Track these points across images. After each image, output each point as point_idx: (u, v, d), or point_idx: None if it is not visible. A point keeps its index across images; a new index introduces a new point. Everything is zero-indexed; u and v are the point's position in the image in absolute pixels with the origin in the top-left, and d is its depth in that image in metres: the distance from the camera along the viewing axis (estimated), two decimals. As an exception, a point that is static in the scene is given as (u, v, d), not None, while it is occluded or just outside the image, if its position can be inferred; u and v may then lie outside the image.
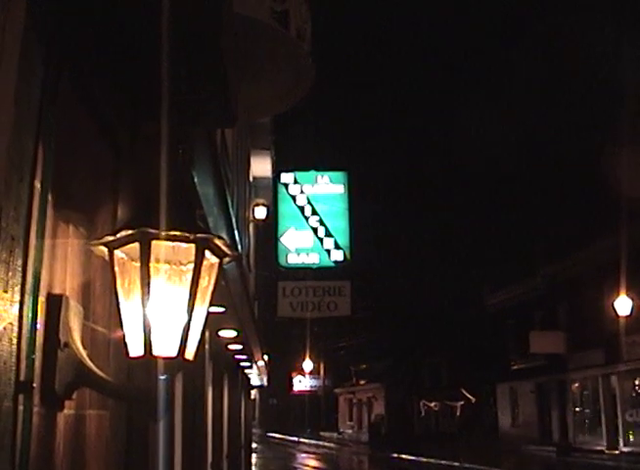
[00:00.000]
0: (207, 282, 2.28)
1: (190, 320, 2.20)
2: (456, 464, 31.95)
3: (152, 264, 2.15)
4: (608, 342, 33.05)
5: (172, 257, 2.20)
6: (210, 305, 2.32)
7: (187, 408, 6.67)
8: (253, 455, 22.82)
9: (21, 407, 1.95)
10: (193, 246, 2.16)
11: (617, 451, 32.02)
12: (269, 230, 20.00)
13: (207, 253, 2.21)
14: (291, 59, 5.88)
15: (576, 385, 38.16)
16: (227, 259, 2.32)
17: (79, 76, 2.56)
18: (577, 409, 37.69)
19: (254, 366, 14.89)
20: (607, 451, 32.86)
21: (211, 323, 7.48)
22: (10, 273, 1.85)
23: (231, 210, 5.49)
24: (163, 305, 2.19)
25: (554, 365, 38.15)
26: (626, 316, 28.44)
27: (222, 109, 4.19)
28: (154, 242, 2.12)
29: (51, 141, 2.19)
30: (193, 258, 2.18)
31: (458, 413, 58.98)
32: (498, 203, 49.85)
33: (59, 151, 2.27)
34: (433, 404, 59.68)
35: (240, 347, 10.43)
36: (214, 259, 2.28)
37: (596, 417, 35.54)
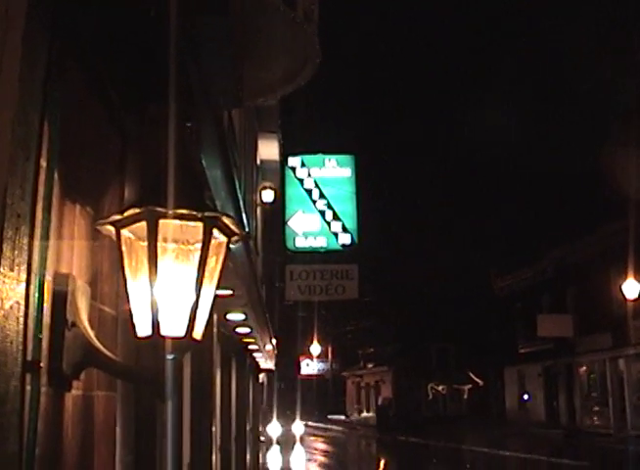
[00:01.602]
0: (215, 261, 2.26)
1: (198, 300, 2.18)
2: (463, 447, 32.05)
3: (159, 244, 2.13)
4: (616, 325, 33.05)
5: (180, 236, 2.18)
6: (219, 284, 2.30)
7: (195, 391, 6.67)
8: (261, 438, 22.72)
9: (28, 387, 1.94)
10: (201, 224, 2.14)
11: (624, 434, 32.02)
12: (276, 214, 19.99)
13: (216, 231, 2.19)
14: (297, 40, 5.83)
15: (584, 368, 38.19)
16: (235, 238, 2.29)
17: (84, 57, 2.54)
18: (585, 393, 37.71)
19: (262, 350, 14.89)
20: (614, 434, 32.88)
21: (219, 306, 7.47)
22: (16, 251, 1.83)
23: (239, 192, 5.46)
24: (171, 285, 2.17)
25: (562, 349, 38.18)
26: (634, 300, 28.38)
27: (229, 89, 4.16)
28: (161, 221, 2.10)
29: (57, 119, 2.16)
30: (201, 236, 2.16)
31: (466, 396, 59.14)
32: (506, 186, 49.72)
33: (65, 131, 2.26)
34: (440, 388, 59.80)
35: (248, 330, 10.41)
36: (222, 239, 2.25)
37: (603, 400, 35.56)
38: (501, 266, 46.20)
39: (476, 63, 70.36)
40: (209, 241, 2.17)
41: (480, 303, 50.49)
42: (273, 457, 19.70)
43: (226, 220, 2.20)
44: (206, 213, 2.14)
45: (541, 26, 59.52)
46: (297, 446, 21.33)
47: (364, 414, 65.36)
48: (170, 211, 2.09)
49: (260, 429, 20.58)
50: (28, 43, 1.95)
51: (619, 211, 29.94)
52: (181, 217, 2.11)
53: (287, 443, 22.61)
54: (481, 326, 50.63)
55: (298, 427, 23.34)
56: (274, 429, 22.04)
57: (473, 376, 57.31)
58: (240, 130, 9.77)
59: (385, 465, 29.14)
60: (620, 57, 35.04)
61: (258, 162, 17.25)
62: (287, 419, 29.06)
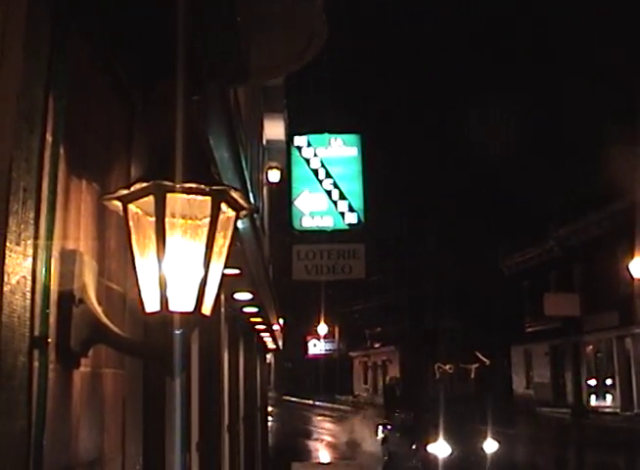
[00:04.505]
0: (224, 236, 2.23)
1: (206, 275, 2.16)
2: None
3: (167, 219, 2.10)
4: (622, 304, 32.98)
5: (188, 211, 2.15)
6: (227, 260, 2.27)
7: (203, 371, 6.68)
8: (269, 418, 22.32)
9: (36, 363, 1.92)
10: (209, 198, 2.11)
11: (631, 413, 32.06)
12: (283, 194, 19.92)
13: (224, 206, 2.16)
14: (304, 16, 5.78)
15: (591, 347, 38.17)
16: (244, 213, 2.27)
17: (89, 31, 2.50)
18: (592, 371, 37.73)
19: (269, 329, 14.90)
20: (621, 413, 32.92)
21: (227, 285, 7.45)
22: (22, 226, 1.80)
23: (246, 172, 5.42)
24: (179, 261, 2.14)
25: (568, 328, 38.11)
26: (641, 279, 28.27)
27: (234, 64, 4.12)
28: (169, 195, 2.07)
29: (62, 93, 2.13)
30: (209, 211, 2.13)
31: (472, 376, 59.21)
32: (512, 164, 49.47)
33: (71, 106, 2.22)
34: (447, 367, 59.87)
35: (255, 309, 10.40)
36: (231, 213, 2.22)
37: (610, 379, 35.58)
38: (508, 245, 46.12)
39: (475, 62, 70.03)
40: (218, 215, 2.14)
41: (487, 281, 50.41)
42: None
43: (234, 194, 2.17)
44: (214, 187, 2.10)
45: (542, 25, 59.24)
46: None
47: (371, 393, 65.55)
48: (178, 185, 2.06)
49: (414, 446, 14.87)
50: (32, 15, 1.91)
51: (626, 189, 29.82)
52: (189, 191, 2.08)
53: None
54: (488, 305, 50.56)
55: (491, 446, 13.56)
56: (441, 449, 13.46)
57: (480, 355, 57.33)
58: (246, 110, 9.72)
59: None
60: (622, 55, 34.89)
61: (265, 142, 17.19)
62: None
